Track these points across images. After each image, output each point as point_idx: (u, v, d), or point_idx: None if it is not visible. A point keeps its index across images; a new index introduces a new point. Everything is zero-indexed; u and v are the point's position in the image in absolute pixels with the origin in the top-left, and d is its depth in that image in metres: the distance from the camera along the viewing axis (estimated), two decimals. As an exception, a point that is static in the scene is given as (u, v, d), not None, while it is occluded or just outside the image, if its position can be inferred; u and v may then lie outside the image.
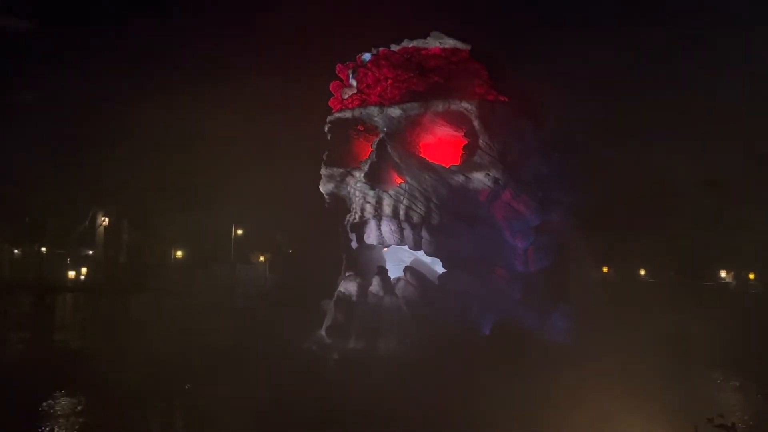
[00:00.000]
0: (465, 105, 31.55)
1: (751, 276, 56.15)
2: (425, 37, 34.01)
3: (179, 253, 62.79)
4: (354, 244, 31.52)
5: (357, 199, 31.91)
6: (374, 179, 31.01)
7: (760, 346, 29.75)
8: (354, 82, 34.73)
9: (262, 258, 61.12)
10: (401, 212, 30.40)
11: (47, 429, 22.37)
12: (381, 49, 34.51)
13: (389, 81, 33.08)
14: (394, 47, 34.36)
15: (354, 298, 30.37)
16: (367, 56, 34.72)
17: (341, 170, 33.52)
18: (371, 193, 31.12)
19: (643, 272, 56.31)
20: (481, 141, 31.19)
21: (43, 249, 57.12)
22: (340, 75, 35.59)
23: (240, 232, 59.33)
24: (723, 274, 57.28)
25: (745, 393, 26.40)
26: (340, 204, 33.51)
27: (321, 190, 34.44)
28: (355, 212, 31.79)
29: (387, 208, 30.62)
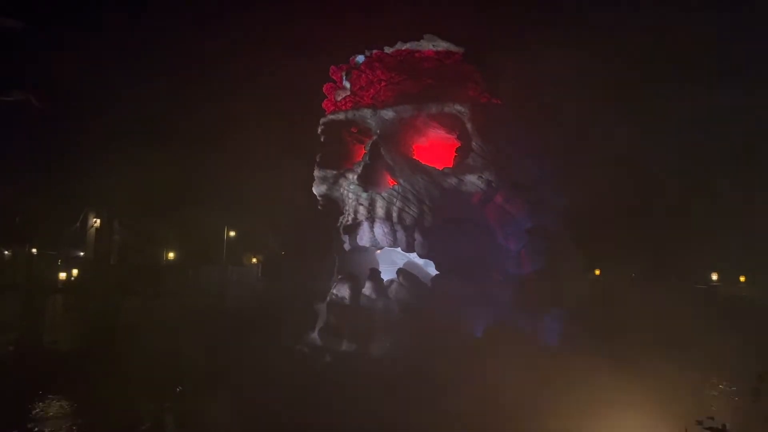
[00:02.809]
0: (458, 107, 31.66)
1: (742, 279, 56.41)
2: (419, 40, 34.13)
3: (171, 255, 62.51)
4: (347, 246, 31.50)
5: (350, 201, 31.92)
6: (367, 181, 31.04)
7: (751, 348, 29.91)
8: (347, 84, 34.77)
9: (254, 260, 60.87)
10: (394, 214, 30.42)
11: (38, 431, 22.21)
12: (374, 51, 34.60)
13: (382, 83, 33.14)
14: (388, 49, 34.45)
15: (347, 301, 30.31)
16: (360, 58, 34.80)
17: (334, 172, 33.51)
18: (364, 195, 31.14)
19: (634, 275, 56.47)
20: (474, 143, 31.30)
21: (34, 250, 56.69)
22: (333, 77, 35.62)
23: (232, 233, 59.13)
24: (714, 276, 57.52)
25: (736, 395, 26.55)
26: (333, 206, 33.50)
27: (314, 191, 34.42)
28: (348, 214, 31.79)
29: (380, 210, 30.64)
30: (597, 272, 50.50)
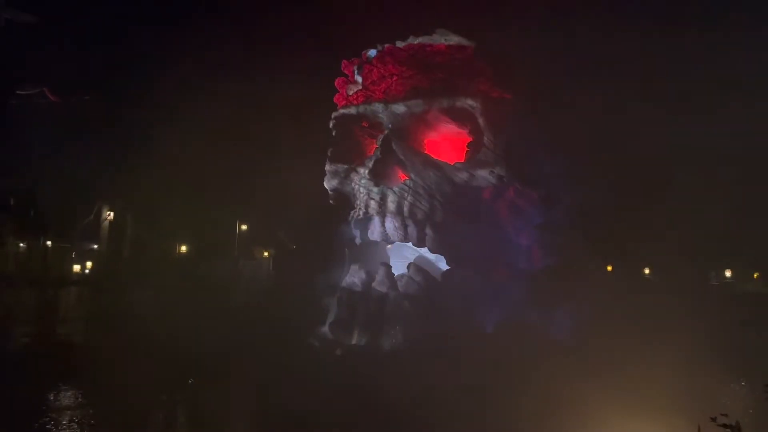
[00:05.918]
0: (469, 102, 31.56)
1: (756, 275, 55.97)
2: (430, 34, 34.00)
3: (183, 248, 62.90)
4: (358, 241, 31.57)
5: (361, 195, 31.96)
6: (379, 176, 31.07)
7: (765, 345, 29.69)
8: (359, 79, 34.77)
9: (266, 254, 61.09)
10: (405, 209, 30.43)
11: (51, 422, 22.48)
12: (386, 45, 34.53)
13: (394, 77, 33.10)
14: (400, 44, 34.36)
15: (357, 295, 30.41)
16: (372, 53, 34.77)
17: (346, 166, 33.55)
18: (375, 189, 31.17)
19: (647, 271, 56.11)
20: (485, 138, 31.21)
21: (48, 242, 57.25)
22: (345, 71, 35.62)
23: (244, 227, 59.38)
24: (728, 273, 57.08)
25: (749, 392, 26.35)
26: (345, 200, 33.56)
27: (325, 186, 34.48)
28: (360, 208, 31.84)
29: (391, 205, 30.66)
30: (609, 268, 50.23)
